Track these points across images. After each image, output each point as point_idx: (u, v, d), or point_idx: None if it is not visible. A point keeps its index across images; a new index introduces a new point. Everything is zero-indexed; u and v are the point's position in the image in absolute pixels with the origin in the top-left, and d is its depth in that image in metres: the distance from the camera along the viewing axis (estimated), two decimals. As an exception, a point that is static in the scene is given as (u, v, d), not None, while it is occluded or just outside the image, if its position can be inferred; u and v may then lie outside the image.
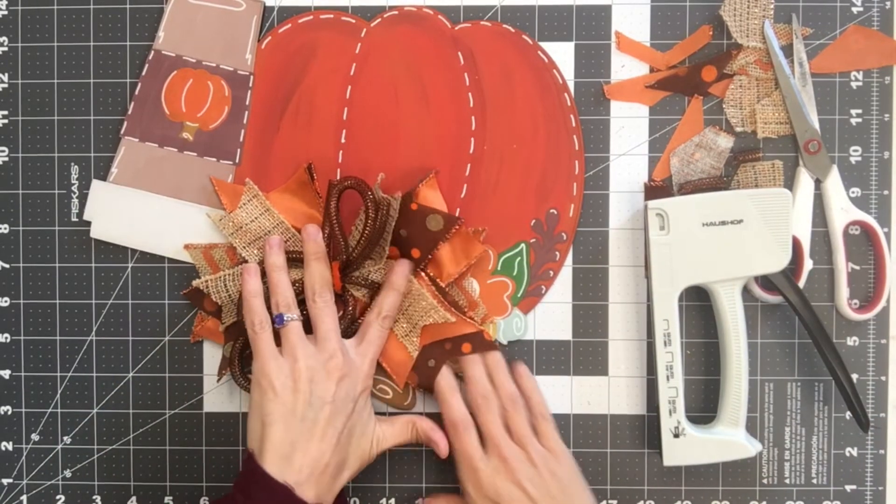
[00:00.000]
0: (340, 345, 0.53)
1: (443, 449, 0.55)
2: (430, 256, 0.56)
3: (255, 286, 0.54)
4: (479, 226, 0.58)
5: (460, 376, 0.57)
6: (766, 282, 0.58)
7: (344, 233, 0.56)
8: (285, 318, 0.53)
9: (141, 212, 0.59)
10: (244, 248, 0.57)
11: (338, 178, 0.58)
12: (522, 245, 0.59)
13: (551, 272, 0.59)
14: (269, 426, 0.51)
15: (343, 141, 0.59)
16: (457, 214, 0.58)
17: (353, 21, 0.59)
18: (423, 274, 0.57)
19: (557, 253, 0.59)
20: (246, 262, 0.57)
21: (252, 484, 0.50)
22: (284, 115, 0.59)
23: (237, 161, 0.59)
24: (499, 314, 0.59)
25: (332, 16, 0.59)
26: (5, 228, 0.60)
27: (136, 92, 0.59)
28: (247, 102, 0.59)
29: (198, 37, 0.59)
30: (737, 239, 0.55)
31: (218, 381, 0.59)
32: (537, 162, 0.59)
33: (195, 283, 0.57)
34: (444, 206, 0.58)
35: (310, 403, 0.51)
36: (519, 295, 0.59)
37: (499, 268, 0.59)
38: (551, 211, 0.59)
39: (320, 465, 0.51)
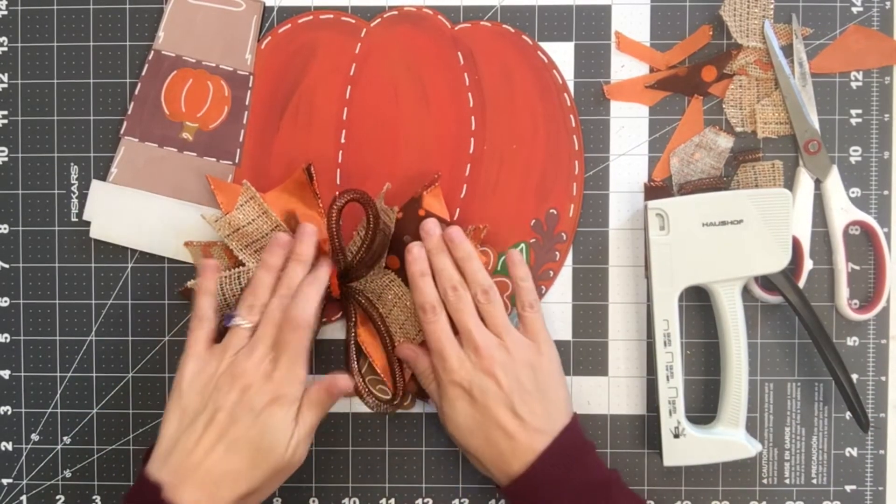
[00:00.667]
0: (265, 355, 0.50)
1: (342, 384, 0.52)
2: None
3: (209, 286, 0.53)
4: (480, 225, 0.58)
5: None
6: (766, 282, 0.58)
7: (343, 245, 0.56)
8: (234, 321, 0.51)
9: (140, 212, 0.59)
10: (241, 250, 0.57)
11: (337, 179, 0.58)
12: (522, 245, 0.59)
13: (551, 272, 0.59)
14: (162, 423, 0.50)
15: (343, 141, 0.59)
16: (456, 215, 0.58)
17: (353, 21, 0.59)
18: None
19: (557, 253, 0.59)
20: (242, 264, 0.57)
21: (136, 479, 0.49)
22: (284, 115, 0.59)
23: (237, 161, 0.59)
24: None
25: (331, 16, 0.59)
26: (5, 228, 0.60)
27: (136, 92, 0.59)
28: (246, 102, 0.59)
29: (198, 37, 0.59)
30: (737, 239, 0.55)
31: None
32: (537, 162, 0.59)
33: (190, 283, 0.57)
34: (448, 216, 0.58)
35: (205, 407, 0.49)
36: None
37: (498, 268, 0.59)
38: (551, 211, 0.59)
39: (203, 470, 0.48)
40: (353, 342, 0.57)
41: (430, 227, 0.54)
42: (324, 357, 0.60)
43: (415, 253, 0.54)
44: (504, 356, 0.52)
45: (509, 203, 0.59)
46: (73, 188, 0.60)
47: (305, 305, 0.51)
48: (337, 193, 0.55)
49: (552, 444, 0.50)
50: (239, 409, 0.49)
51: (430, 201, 0.57)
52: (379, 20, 0.59)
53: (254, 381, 0.49)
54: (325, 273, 0.54)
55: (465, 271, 0.54)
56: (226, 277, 0.56)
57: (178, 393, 0.50)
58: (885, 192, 0.59)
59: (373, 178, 0.58)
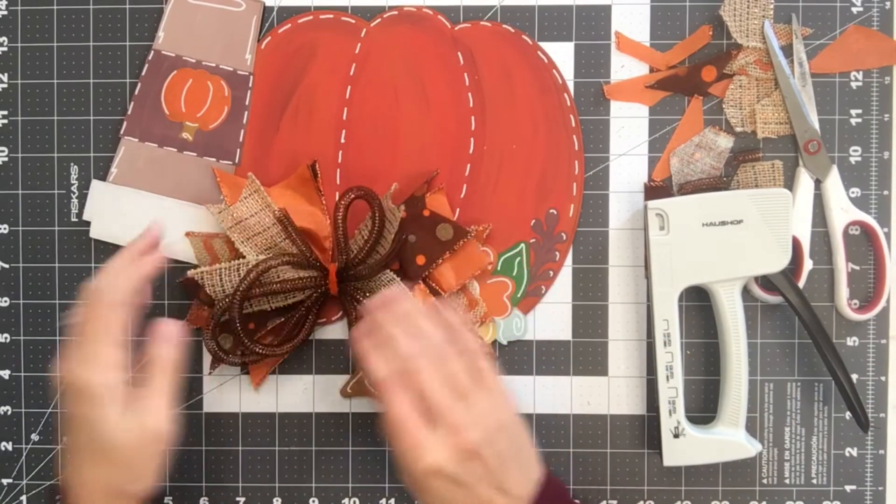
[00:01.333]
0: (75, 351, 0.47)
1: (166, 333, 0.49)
2: (434, 265, 0.56)
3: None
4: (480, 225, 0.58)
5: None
6: (766, 282, 0.58)
7: (347, 242, 0.56)
8: None
9: (141, 212, 0.59)
10: (242, 242, 0.57)
11: (337, 178, 0.58)
12: (522, 245, 0.59)
13: (551, 272, 0.59)
14: None
15: (343, 141, 0.59)
16: (456, 215, 0.58)
17: (353, 21, 0.59)
18: (422, 284, 0.57)
19: (557, 253, 0.59)
20: (243, 257, 0.57)
21: None
22: (284, 115, 0.59)
23: (237, 161, 0.59)
24: (498, 314, 0.59)
25: (331, 16, 0.59)
26: (5, 228, 0.60)
27: (136, 92, 0.59)
28: (246, 103, 0.59)
29: (197, 37, 0.59)
30: (737, 239, 0.55)
31: (210, 372, 0.59)
32: (537, 162, 0.59)
33: (190, 273, 0.57)
34: (451, 215, 0.58)
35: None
36: (518, 295, 0.59)
37: (498, 268, 0.59)
38: (551, 211, 0.58)
39: (75, 485, 0.47)
40: None
41: (374, 303, 0.49)
42: (324, 357, 0.60)
43: (357, 331, 0.48)
44: (481, 432, 0.45)
45: (509, 203, 0.59)
46: (73, 188, 0.60)
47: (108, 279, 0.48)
48: (345, 190, 0.55)
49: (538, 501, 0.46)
50: (70, 421, 0.47)
51: (434, 201, 0.57)
52: (379, 20, 0.59)
53: (74, 373, 0.46)
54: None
55: (412, 328, 0.47)
56: (225, 268, 0.56)
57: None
58: (885, 192, 0.59)
59: (372, 177, 0.58)
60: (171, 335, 0.49)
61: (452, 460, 0.44)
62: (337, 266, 0.56)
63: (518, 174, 0.59)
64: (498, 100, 0.58)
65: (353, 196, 0.55)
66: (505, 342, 0.59)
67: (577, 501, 0.52)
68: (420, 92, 0.59)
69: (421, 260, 0.56)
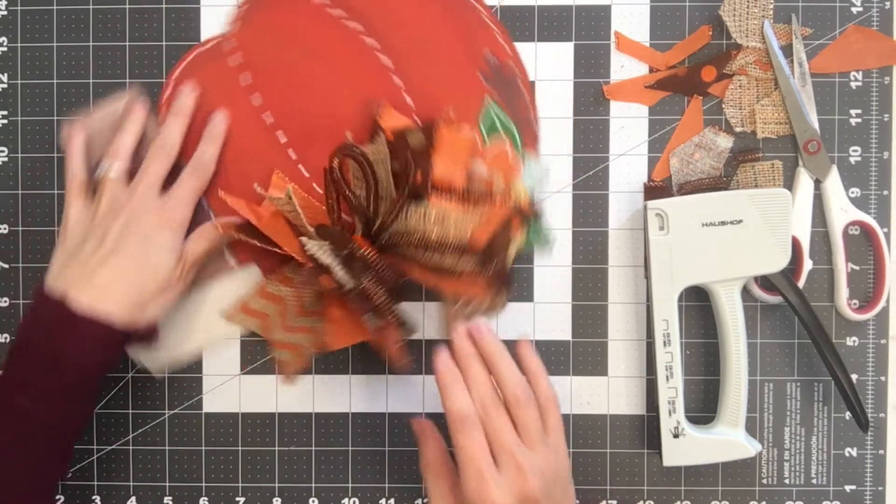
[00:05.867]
0: (151, 185, 0.54)
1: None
2: (429, 173, 0.53)
3: (75, 149, 0.55)
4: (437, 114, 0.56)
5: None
6: (765, 282, 0.58)
7: (361, 202, 0.54)
8: (100, 170, 0.54)
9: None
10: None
11: (304, 172, 0.57)
12: (486, 98, 0.57)
13: (524, 92, 0.58)
14: (54, 252, 0.54)
15: (284, 140, 0.57)
16: (418, 121, 0.56)
17: (216, 40, 0.59)
18: (434, 194, 0.54)
19: (518, 81, 0.58)
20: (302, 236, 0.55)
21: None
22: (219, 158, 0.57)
23: (207, 207, 0.58)
24: (516, 170, 0.56)
25: (195, 52, 0.59)
26: (5, 228, 0.60)
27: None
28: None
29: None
30: (736, 239, 0.55)
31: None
32: (445, 26, 0.58)
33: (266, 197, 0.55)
34: (409, 122, 0.56)
35: (94, 234, 0.53)
36: (518, 141, 0.57)
37: (485, 133, 0.57)
38: (487, 56, 0.58)
39: (96, 279, 0.51)
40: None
41: (461, 333, 0.51)
42: (325, 356, 0.60)
43: (443, 360, 0.51)
44: (542, 481, 0.48)
45: (449, 76, 0.57)
46: (72, 188, 0.60)
47: (213, 153, 0.56)
48: (326, 169, 0.54)
49: None
50: (128, 230, 0.52)
51: (388, 120, 0.55)
52: (238, 22, 0.58)
53: (140, 206, 0.52)
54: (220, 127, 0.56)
55: (494, 369, 0.51)
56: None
57: (65, 233, 0.53)
58: (885, 192, 0.59)
59: (329, 149, 0.55)
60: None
61: (510, 499, 0.47)
62: (361, 230, 0.54)
63: (438, 49, 0.57)
64: (386, 15, 0.58)
65: (335, 163, 0.54)
66: (537, 193, 0.57)
67: None
68: (318, 55, 0.57)
69: (418, 176, 0.54)
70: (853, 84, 0.58)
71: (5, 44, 0.60)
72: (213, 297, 0.59)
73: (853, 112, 0.58)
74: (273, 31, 0.58)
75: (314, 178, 0.57)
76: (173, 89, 0.58)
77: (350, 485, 0.60)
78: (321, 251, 0.53)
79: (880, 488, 0.59)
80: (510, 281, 0.56)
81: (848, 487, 0.59)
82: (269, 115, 0.57)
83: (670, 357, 0.56)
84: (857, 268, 0.59)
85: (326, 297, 0.56)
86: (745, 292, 0.58)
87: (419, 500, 0.60)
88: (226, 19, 0.59)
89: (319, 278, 0.54)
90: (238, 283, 0.59)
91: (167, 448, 0.60)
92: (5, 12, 0.60)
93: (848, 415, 0.59)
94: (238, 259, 0.59)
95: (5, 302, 0.60)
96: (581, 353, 0.59)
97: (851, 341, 0.59)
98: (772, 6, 0.58)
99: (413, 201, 0.54)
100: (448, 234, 0.53)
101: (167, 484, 0.60)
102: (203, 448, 0.60)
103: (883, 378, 0.59)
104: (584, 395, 0.59)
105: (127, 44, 0.59)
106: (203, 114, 0.57)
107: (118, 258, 0.51)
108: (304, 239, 0.54)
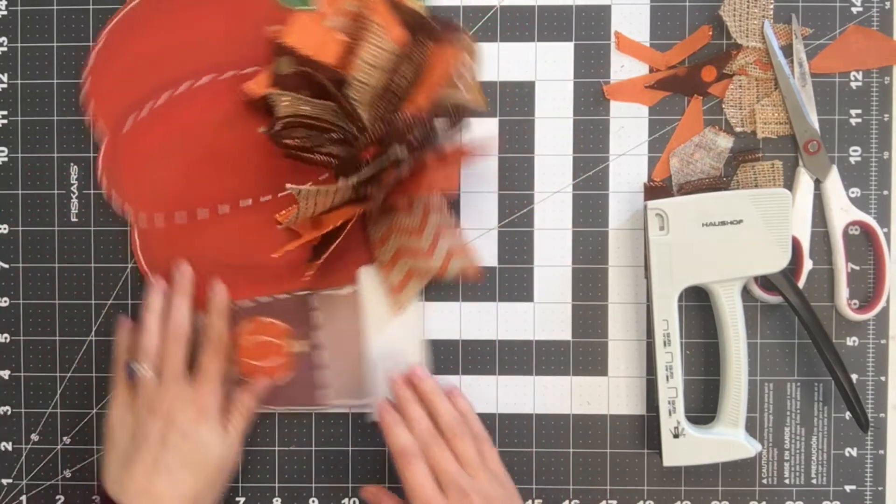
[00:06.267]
0: (176, 380, 0.54)
1: (259, 387, 0.58)
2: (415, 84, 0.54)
3: (120, 347, 0.58)
4: None
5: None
6: (765, 282, 0.58)
7: (354, 115, 0.55)
8: (137, 371, 0.55)
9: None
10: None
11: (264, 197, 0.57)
12: None
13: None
14: (103, 463, 0.55)
15: (223, 211, 0.58)
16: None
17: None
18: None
19: None
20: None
21: None
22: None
23: None
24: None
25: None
26: (5, 228, 0.60)
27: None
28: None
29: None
30: (736, 239, 0.55)
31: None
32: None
33: (289, 187, 0.54)
34: (310, 49, 0.55)
35: (134, 440, 0.54)
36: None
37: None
38: None
39: (150, 494, 0.51)
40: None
41: (399, 382, 0.56)
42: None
43: (383, 405, 0.55)
44: (485, 500, 0.51)
45: None
46: (73, 188, 0.60)
47: (223, 326, 0.57)
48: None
49: None
50: (167, 434, 0.52)
51: (291, 39, 0.55)
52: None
53: (174, 403, 0.53)
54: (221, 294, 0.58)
55: (432, 406, 0.55)
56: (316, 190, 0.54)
57: (111, 433, 0.54)
58: (885, 192, 0.59)
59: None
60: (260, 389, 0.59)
61: None
62: (363, 142, 0.55)
63: None
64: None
65: (288, 72, 0.54)
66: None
67: None
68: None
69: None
70: (853, 84, 0.58)
71: (5, 44, 0.60)
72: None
73: (853, 112, 0.58)
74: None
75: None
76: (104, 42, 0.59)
77: (350, 485, 0.60)
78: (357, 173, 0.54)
79: (880, 488, 0.59)
80: (466, 118, 0.55)
81: (848, 487, 0.59)
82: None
83: (670, 357, 0.56)
84: (857, 268, 0.59)
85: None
86: (745, 292, 0.58)
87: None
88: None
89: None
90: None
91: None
92: (5, 12, 0.60)
93: (848, 415, 0.59)
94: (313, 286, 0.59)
95: (5, 302, 0.60)
96: (581, 353, 0.59)
97: (851, 341, 0.59)
98: (772, 6, 0.58)
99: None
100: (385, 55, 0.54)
101: (167, 484, 0.60)
102: (203, 448, 0.60)
103: (883, 378, 0.59)
104: (584, 395, 0.59)
105: (127, 44, 0.59)
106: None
107: (165, 469, 0.52)
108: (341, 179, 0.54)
